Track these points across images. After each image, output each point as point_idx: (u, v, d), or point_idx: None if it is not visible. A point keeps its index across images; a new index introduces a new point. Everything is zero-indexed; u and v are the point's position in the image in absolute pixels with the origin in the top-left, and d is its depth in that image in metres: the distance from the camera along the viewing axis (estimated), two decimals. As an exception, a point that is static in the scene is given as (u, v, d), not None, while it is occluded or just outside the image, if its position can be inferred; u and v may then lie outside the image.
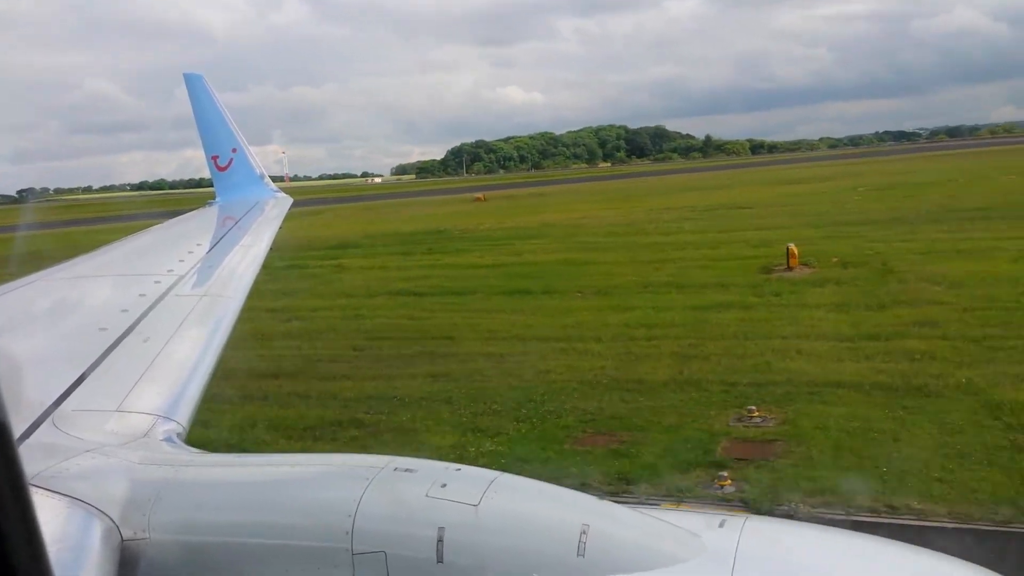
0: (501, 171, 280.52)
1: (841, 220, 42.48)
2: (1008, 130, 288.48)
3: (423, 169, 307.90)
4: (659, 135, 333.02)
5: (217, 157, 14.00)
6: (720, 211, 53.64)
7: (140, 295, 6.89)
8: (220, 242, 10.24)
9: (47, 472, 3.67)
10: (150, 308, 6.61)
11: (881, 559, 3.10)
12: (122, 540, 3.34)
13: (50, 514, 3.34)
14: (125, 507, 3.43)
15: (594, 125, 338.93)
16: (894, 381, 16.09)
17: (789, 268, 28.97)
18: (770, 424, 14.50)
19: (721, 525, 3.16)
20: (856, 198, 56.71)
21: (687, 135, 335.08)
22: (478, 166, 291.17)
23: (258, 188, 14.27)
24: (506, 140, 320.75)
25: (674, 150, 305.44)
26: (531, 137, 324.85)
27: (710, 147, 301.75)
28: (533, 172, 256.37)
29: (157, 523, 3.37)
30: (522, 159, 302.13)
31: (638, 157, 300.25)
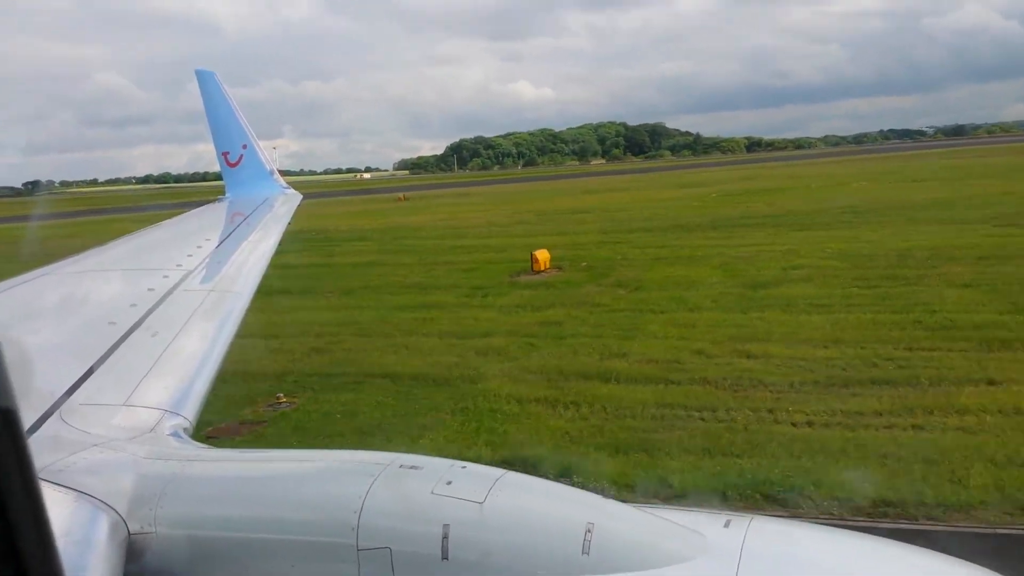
0: (496, 167, 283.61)
1: (641, 227, 44.92)
2: (1006, 129, 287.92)
3: (416, 165, 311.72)
4: (658, 132, 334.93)
5: (228, 153, 14.25)
6: (559, 216, 56.23)
7: (149, 289, 6.91)
8: (229, 238, 10.37)
9: (54, 466, 3.69)
10: (158, 303, 6.62)
11: (886, 560, 3.13)
12: (129, 534, 3.37)
13: (57, 508, 3.35)
14: (132, 501, 3.46)
15: (595, 122, 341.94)
16: (433, 372, 18.58)
17: (535, 272, 31.39)
18: (284, 408, 17.03)
19: (726, 525, 3.18)
20: (694, 204, 59.01)
21: (685, 132, 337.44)
22: (475, 162, 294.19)
23: (268, 184, 14.47)
24: (505, 136, 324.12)
25: (671, 148, 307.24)
26: (531, 133, 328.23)
27: (700, 145, 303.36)
28: (522, 169, 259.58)
29: (164, 518, 3.40)
30: (520, 155, 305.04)
31: (635, 154, 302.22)
